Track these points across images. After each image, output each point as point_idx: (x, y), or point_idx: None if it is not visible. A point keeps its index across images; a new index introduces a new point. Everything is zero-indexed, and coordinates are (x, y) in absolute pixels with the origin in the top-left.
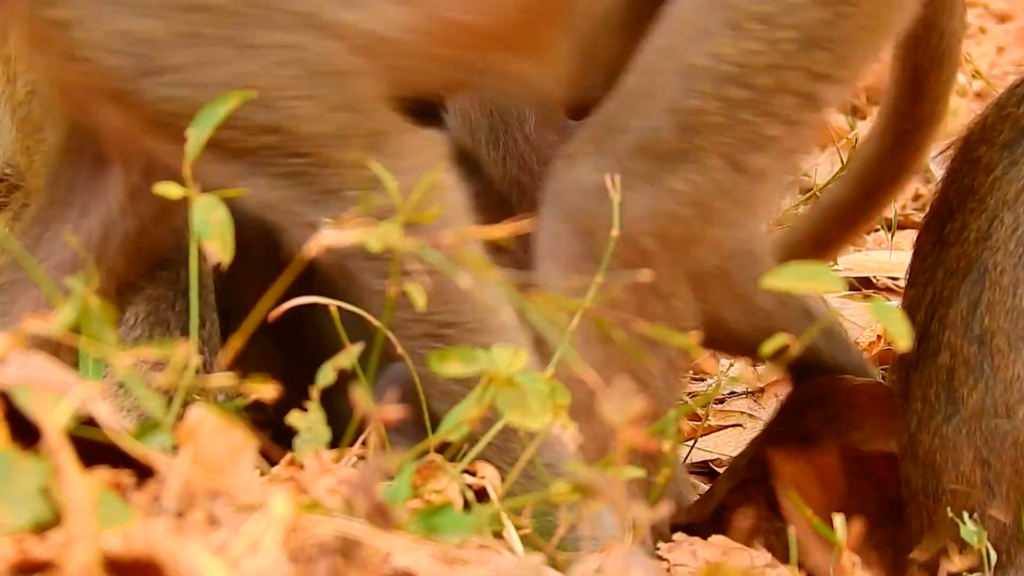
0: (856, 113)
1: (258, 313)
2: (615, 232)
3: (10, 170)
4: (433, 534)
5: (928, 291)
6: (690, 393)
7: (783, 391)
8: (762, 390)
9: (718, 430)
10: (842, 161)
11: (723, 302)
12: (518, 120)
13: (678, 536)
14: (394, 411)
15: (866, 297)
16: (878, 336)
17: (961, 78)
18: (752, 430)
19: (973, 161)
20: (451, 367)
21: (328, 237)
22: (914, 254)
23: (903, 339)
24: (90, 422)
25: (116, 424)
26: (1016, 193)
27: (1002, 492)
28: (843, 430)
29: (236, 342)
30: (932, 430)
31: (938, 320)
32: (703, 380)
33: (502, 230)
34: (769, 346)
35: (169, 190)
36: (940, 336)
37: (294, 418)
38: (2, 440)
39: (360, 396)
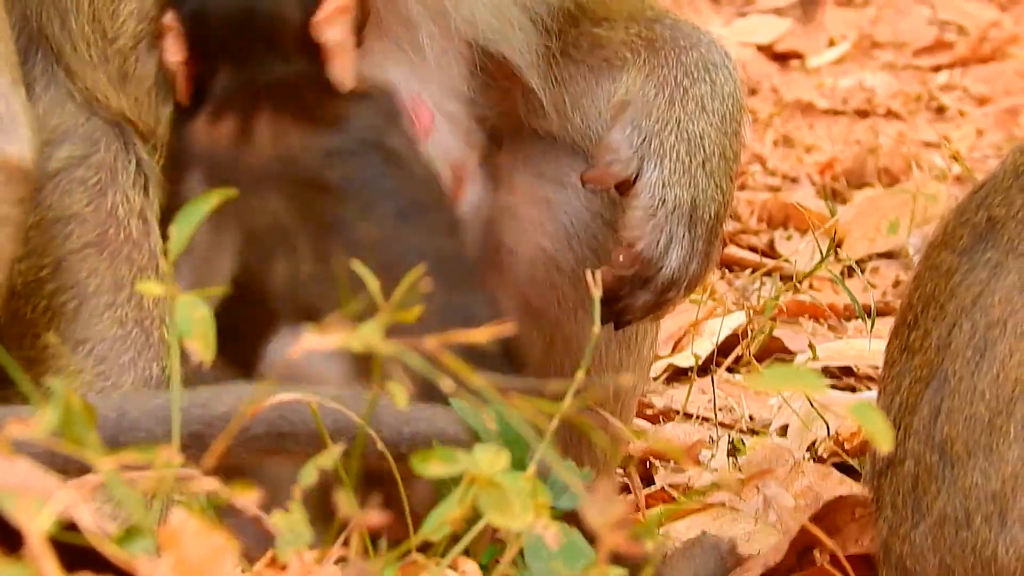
0: (836, 197)
1: (242, 413)
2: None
3: None
4: None
5: (896, 399)
6: (671, 484)
7: (765, 484)
8: (742, 482)
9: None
10: (821, 251)
11: None
12: None
13: None
14: (376, 516)
15: (848, 387)
16: (859, 427)
17: (940, 161)
18: (732, 521)
19: (935, 267)
20: (432, 468)
21: (310, 340)
22: (884, 362)
23: (884, 442)
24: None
25: (98, 529)
26: (973, 299)
27: None
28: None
29: (219, 446)
30: (901, 536)
31: (904, 428)
32: (683, 472)
33: (483, 334)
34: None
35: (150, 288)
36: (905, 444)
37: (276, 519)
38: None
39: (343, 499)
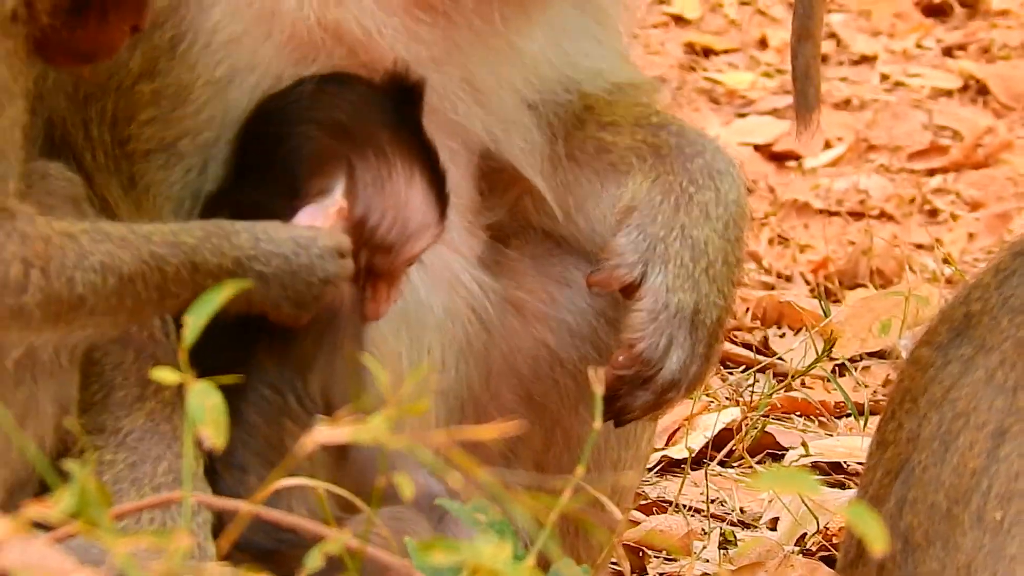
0: (829, 296)
1: (256, 499)
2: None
3: None
4: None
5: (868, 492)
6: (663, 574)
7: None
8: (733, 575)
9: None
10: (816, 350)
11: None
12: None
13: None
14: None
15: (838, 483)
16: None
17: (932, 264)
18: None
19: (915, 361)
20: (435, 557)
21: (322, 433)
22: (867, 457)
23: (878, 544)
24: None
25: None
26: (943, 393)
27: None
28: None
29: (232, 533)
30: None
31: None
32: (675, 561)
33: (490, 431)
34: None
35: (165, 376)
36: None
37: None
38: None
39: None
